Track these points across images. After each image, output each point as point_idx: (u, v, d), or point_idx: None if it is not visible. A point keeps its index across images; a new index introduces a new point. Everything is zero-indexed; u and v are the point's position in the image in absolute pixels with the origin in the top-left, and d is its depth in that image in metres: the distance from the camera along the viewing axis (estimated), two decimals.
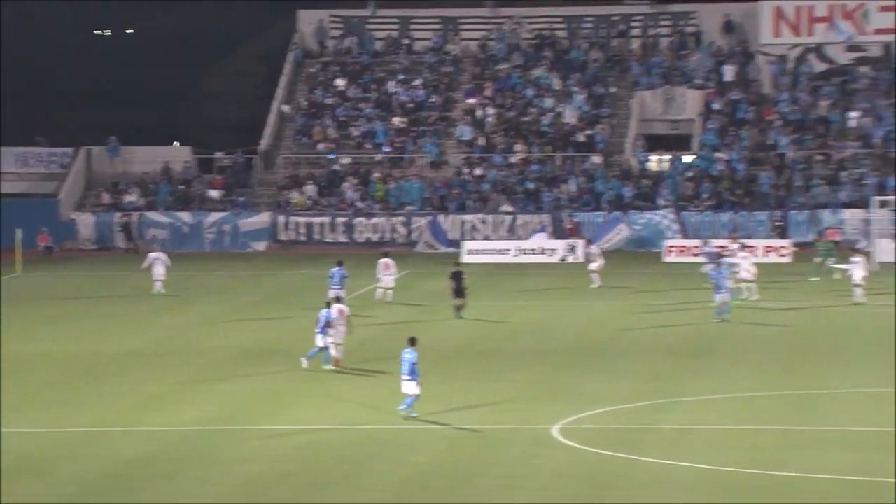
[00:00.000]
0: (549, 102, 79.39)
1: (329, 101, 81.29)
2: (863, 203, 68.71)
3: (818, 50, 78.43)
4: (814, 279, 56.40)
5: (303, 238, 74.36)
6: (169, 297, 54.96)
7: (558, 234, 70.96)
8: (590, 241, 60.63)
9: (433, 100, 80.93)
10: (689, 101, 78.00)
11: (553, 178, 75.44)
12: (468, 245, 69.36)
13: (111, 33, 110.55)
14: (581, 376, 38.55)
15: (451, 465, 29.35)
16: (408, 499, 26.96)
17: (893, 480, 27.45)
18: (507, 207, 73.75)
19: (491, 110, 79.50)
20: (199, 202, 76.77)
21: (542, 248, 68.84)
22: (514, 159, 76.87)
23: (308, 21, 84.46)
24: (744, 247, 56.04)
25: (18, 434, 31.82)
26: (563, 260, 67.52)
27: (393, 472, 28.71)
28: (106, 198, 77.18)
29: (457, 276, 49.04)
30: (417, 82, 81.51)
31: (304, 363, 39.15)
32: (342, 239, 73.79)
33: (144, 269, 56.40)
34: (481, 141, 78.13)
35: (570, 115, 78.46)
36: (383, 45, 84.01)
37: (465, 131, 78.68)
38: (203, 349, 43.86)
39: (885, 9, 77.27)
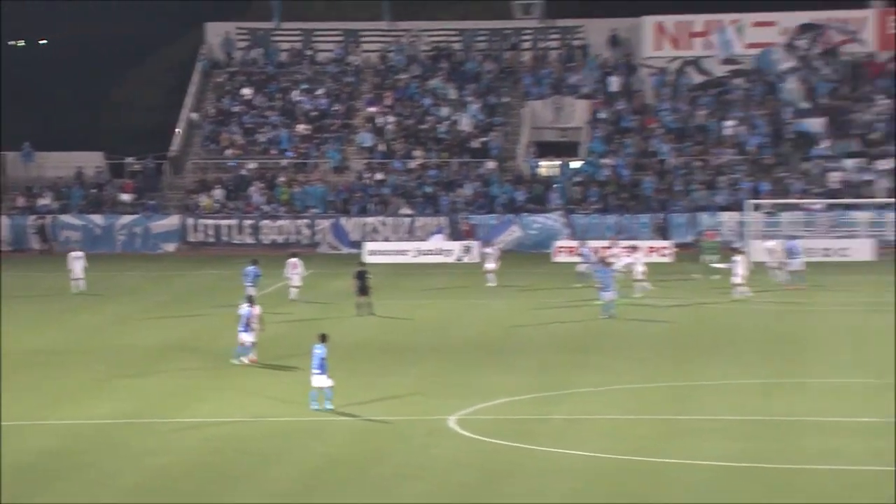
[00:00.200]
0: (445, 111, 79.55)
1: (236, 109, 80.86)
2: (738, 206, 69.55)
3: (696, 63, 79.28)
4: (696, 276, 56.91)
5: (211, 239, 73.91)
6: (85, 295, 54.40)
7: (455, 235, 71.12)
8: (489, 242, 60.78)
9: (336, 108, 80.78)
10: (577, 111, 78.51)
11: (450, 182, 75.60)
12: (369, 246, 69.32)
13: (25, 43, 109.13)
14: (477, 370, 38.68)
15: (354, 455, 29.35)
16: (313, 488, 26.95)
17: (767, 466, 27.88)
18: (406, 210, 73.80)
19: (391, 118, 79.52)
20: (111, 205, 76.02)
21: (439, 248, 68.99)
22: (412, 165, 76.94)
23: (215, 33, 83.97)
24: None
25: None
26: (459, 260, 67.72)
27: (299, 463, 28.66)
28: (21, 201, 76.18)
29: (361, 276, 49.05)
30: (320, 91, 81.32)
31: (240, 361, 38.92)
32: (249, 240, 73.42)
33: (68, 269, 55.69)
34: (381, 147, 78.12)
35: (465, 123, 78.68)
36: (288, 56, 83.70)
37: (366, 138, 78.63)
38: (117, 346, 43.45)
39: (758, 24, 78.29)
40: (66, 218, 74.34)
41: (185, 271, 65.25)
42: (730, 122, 76.33)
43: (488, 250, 58.56)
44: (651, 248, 64.91)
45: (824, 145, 74.11)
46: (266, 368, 38.79)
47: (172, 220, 74.24)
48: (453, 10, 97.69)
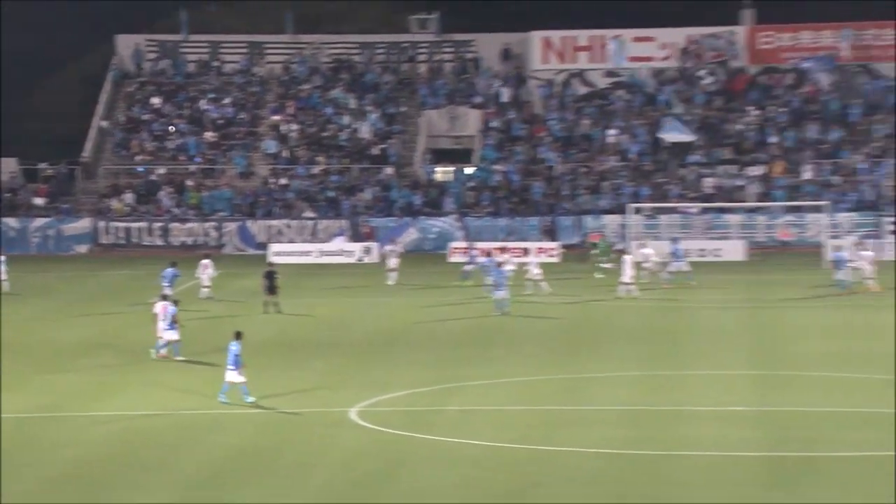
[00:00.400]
0: (346, 120, 79.46)
1: (146, 117, 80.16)
2: (620, 210, 70.24)
3: (581, 75, 79.93)
4: (599, 276, 57.16)
5: (122, 241, 73.24)
6: (5, 295, 53.56)
7: (356, 237, 71.09)
8: (392, 241, 60.72)
9: (241, 116, 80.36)
10: (471, 120, 78.80)
11: (350, 187, 75.53)
12: (274, 247, 69.04)
13: None
14: (377, 365, 38.74)
15: (259, 445, 29.31)
16: (220, 477, 26.87)
17: (646, 453, 28.25)
18: (309, 213, 73.63)
19: (294, 126, 79.26)
20: (25, 209, 75.05)
21: (341, 250, 68.89)
22: (315, 170, 76.76)
23: (125, 45, 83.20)
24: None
25: None
26: (360, 260, 67.67)
27: (207, 454, 28.58)
28: None
29: (270, 275, 48.97)
30: (227, 101, 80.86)
31: (154, 354, 38.68)
32: (158, 242, 72.87)
33: None
34: (285, 154, 77.85)
35: (365, 131, 78.65)
36: (195, 66, 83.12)
37: (270, 145, 78.32)
38: (34, 343, 42.92)
39: (638, 39, 79.05)
40: None
41: (97, 272, 64.58)
42: (612, 131, 77.04)
43: (390, 249, 58.62)
44: (540, 249, 65.36)
45: (699, 153, 75.10)
46: (177, 364, 38.55)
47: (85, 223, 73.46)
48: (353, 23, 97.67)
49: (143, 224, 73.41)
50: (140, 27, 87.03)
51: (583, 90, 79.67)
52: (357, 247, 68.83)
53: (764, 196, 72.02)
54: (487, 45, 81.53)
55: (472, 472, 26.80)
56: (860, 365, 37.39)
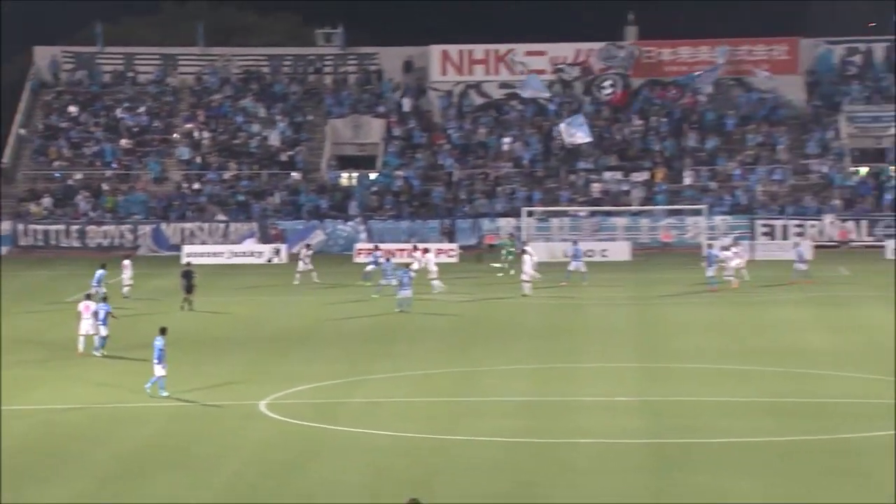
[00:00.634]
0: (256, 128, 78.94)
1: (63, 125, 79.02)
2: (515, 213, 70.57)
3: (477, 86, 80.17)
4: (500, 275, 57.29)
5: (41, 243, 72.12)
6: None
7: (265, 239, 70.62)
8: (309, 246, 60.22)
9: (155, 124, 79.51)
10: (374, 128, 78.67)
11: (260, 191, 75.04)
12: (187, 249, 68.27)
13: None
14: (286, 359, 38.52)
15: (173, 437, 29.01)
16: (135, 468, 26.53)
17: (540, 441, 28.37)
18: (221, 217, 73.03)
19: (206, 134, 78.58)
20: None
21: (251, 251, 68.41)
22: (226, 176, 76.17)
23: (43, 56, 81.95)
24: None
25: None
26: (269, 261, 67.23)
27: (121, 446, 28.22)
28: None
29: (187, 275, 48.58)
30: (141, 109, 79.96)
31: (97, 353, 38.25)
32: (76, 244, 71.91)
33: None
34: (198, 160, 77.16)
35: (274, 139, 78.19)
36: (111, 77, 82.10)
37: (183, 152, 77.57)
38: None
39: (529, 53, 79.27)
40: None
41: (17, 272, 63.40)
42: (507, 139, 77.38)
43: (300, 250, 58.31)
44: (439, 250, 65.42)
45: (588, 160, 75.66)
46: (97, 359, 38.01)
47: (5, 226, 72.18)
48: (262, 37, 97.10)
49: (60, 227, 72.40)
50: (57, 39, 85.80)
51: (479, 100, 79.90)
52: (267, 248, 68.38)
53: (647, 200, 72.75)
54: (390, 58, 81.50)
55: (378, 461, 26.73)
56: (735, 357, 37.88)
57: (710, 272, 52.28)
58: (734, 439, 28.19)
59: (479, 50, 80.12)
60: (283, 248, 67.66)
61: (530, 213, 69.17)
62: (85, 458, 27.00)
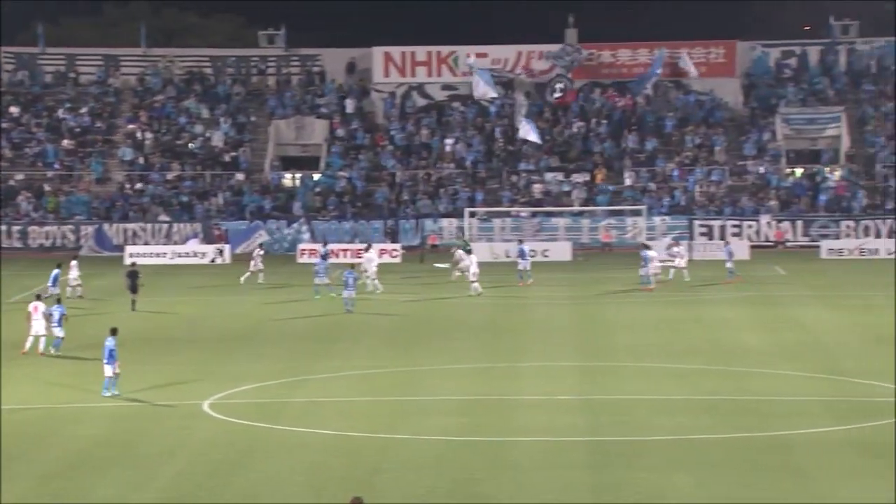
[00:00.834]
0: (199, 128, 78.51)
1: (4, 125, 78.19)
2: (457, 214, 70.67)
3: (420, 88, 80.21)
4: (458, 275, 57.13)
5: None
6: None
7: (208, 239, 70.25)
8: (261, 245, 59.87)
9: (98, 125, 78.89)
10: (317, 129, 78.48)
11: (204, 192, 74.65)
12: (130, 249, 67.84)
13: None
14: (229, 359, 38.34)
15: (117, 436, 28.81)
16: (78, 466, 26.33)
17: (482, 439, 28.43)
18: (164, 217, 72.56)
19: (149, 134, 78.06)
20: None
21: (194, 251, 68.03)
22: (169, 176, 75.70)
23: None
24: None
25: None
26: (212, 262, 66.91)
27: (65, 445, 28.01)
28: None
29: (132, 275, 48.30)
30: (84, 110, 79.29)
31: (53, 351, 38.18)
32: (17, 244, 71.23)
33: None
34: (141, 160, 76.64)
35: (217, 140, 77.81)
36: (52, 77, 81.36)
37: (126, 152, 77.00)
38: None
39: (478, 55, 79.20)
40: None
41: None
42: (449, 141, 77.46)
43: (253, 250, 58.03)
44: (382, 250, 65.40)
45: (529, 161, 75.91)
46: (43, 359, 37.65)
47: None
48: (204, 38, 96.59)
49: (2, 227, 71.66)
50: None
51: (421, 102, 79.94)
52: (210, 249, 68.04)
53: (588, 201, 73.10)
54: (333, 60, 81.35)
55: (319, 460, 26.69)
56: (674, 356, 38.14)
57: (643, 272, 52.59)
58: (673, 437, 28.39)
59: (421, 52, 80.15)
60: (226, 248, 67.36)
61: (473, 214, 69.31)
62: (29, 458, 26.75)
